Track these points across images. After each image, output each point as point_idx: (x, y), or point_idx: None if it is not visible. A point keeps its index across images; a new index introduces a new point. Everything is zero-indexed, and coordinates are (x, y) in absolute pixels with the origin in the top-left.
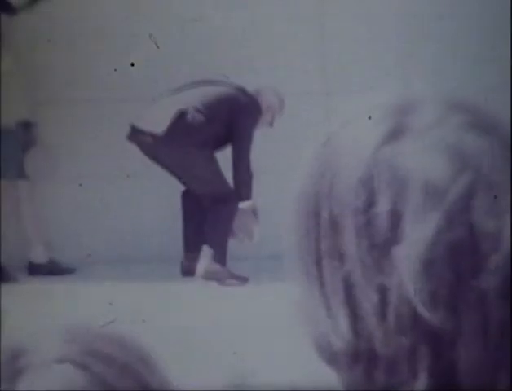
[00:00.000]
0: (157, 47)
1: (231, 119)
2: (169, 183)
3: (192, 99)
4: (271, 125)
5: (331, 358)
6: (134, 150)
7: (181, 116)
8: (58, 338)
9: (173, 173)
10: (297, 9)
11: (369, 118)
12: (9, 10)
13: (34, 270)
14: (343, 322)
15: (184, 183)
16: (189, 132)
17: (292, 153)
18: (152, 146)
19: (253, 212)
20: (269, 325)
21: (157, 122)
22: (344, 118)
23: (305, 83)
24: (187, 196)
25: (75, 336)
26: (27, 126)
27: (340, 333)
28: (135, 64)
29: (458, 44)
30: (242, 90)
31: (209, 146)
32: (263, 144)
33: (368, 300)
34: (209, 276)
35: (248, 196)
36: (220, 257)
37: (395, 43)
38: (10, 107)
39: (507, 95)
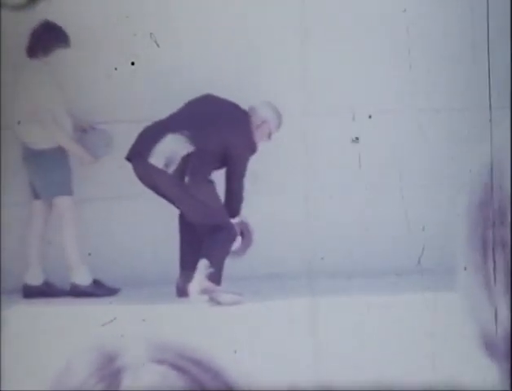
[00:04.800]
0: (158, 46)
1: (228, 146)
2: (165, 205)
3: (193, 133)
4: (268, 137)
5: (490, 345)
6: (126, 170)
7: (187, 156)
8: (150, 343)
9: (170, 202)
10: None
11: (370, 117)
12: (66, 41)
13: (29, 292)
14: (503, 312)
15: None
16: (194, 170)
17: (281, 174)
18: (152, 177)
19: (248, 228)
20: (265, 343)
21: (163, 160)
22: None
23: (285, 98)
24: (183, 219)
25: (167, 345)
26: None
27: (500, 321)
28: (135, 63)
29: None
30: (239, 114)
31: (210, 177)
32: (257, 164)
33: None
34: (202, 293)
35: (238, 213)
36: (215, 276)
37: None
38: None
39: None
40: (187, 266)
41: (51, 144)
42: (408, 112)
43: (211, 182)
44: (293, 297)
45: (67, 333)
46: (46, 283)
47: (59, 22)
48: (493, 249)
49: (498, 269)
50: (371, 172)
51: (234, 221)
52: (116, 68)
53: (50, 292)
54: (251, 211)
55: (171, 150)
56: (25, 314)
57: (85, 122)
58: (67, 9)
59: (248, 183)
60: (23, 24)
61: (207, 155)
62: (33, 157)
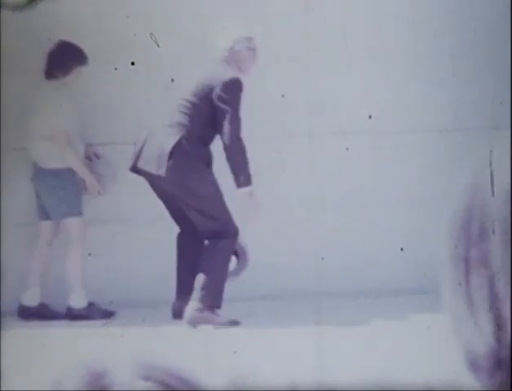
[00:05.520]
0: (158, 46)
1: (215, 101)
2: (162, 227)
3: (177, 118)
4: (250, 58)
5: (474, 363)
6: (125, 193)
7: (175, 149)
8: (140, 362)
9: (177, 208)
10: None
11: (370, 117)
12: (84, 60)
13: (25, 312)
14: (487, 329)
15: (182, 222)
16: (187, 160)
17: (279, 195)
18: (157, 184)
19: (243, 250)
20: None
21: (155, 163)
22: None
23: (290, 124)
24: (181, 239)
25: (156, 364)
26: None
27: (484, 339)
28: (135, 63)
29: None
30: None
31: (209, 164)
32: (258, 184)
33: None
34: (195, 321)
35: (248, 182)
36: (215, 298)
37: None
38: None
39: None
40: (184, 290)
41: (64, 164)
42: (397, 133)
43: (208, 170)
44: (296, 323)
45: (61, 353)
46: (42, 305)
47: (59, 22)
48: (478, 267)
49: (481, 287)
50: (363, 198)
51: (245, 190)
52: (116, 68)
53: (46, 314)
54: (248, 233)
55: (158, 148)
56: (22, 335)
57: (91, 150)
58: (67, 9)
59: (247, 208)
60: (23, 24)
61: (196, 134)
62: (44, 176)
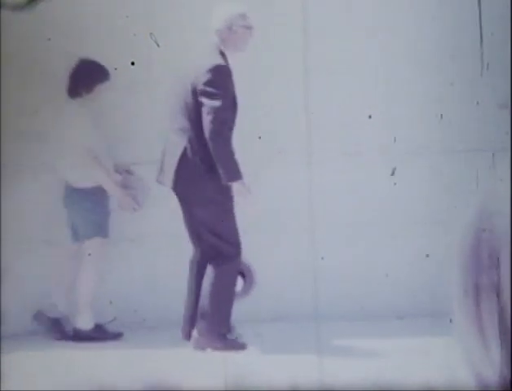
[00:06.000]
0: (158, 46)
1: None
2: (171, 248)
3: (181, 124)
4: (246, 33)
5: (484, 388)
6: (135, 213)
7: (180, 162)
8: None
9: (194, 225)
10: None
11: (370, 117)
12: (107, 76)
13: (40, 318)
14: (497, 355)
15: (196, 241)
16: (192, 171)
17: (283, 215)
18: (178, 197)
19: (249, 268)
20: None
21: (166, 177)
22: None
23: (289, 143)
24: (192, 262)
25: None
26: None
27: (494, 365)
28: (135, 63)
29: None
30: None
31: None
32: (261, 206)
33: None
34: (202, 346)
35: (236, 176)
36: (222, 322)
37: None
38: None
39: None
40: (191, 315)
41: (94, 183)
42: (400, 155)
43: (215, 176)
44: (298, 343)
45: (67, 374)
46: (56, 321)
47: (59, 22)
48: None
49: (491, 313)
50: (370, 220)
51: (237, 184)
52: (116, 68)
53: (55, 331)
54: (253, 253)
55: (168, 161)
56: (26, 356)
57: (122, 166)
58: (67, 9)
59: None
60: (23, 24)
61: (198, 137)
62: (75, 195)
